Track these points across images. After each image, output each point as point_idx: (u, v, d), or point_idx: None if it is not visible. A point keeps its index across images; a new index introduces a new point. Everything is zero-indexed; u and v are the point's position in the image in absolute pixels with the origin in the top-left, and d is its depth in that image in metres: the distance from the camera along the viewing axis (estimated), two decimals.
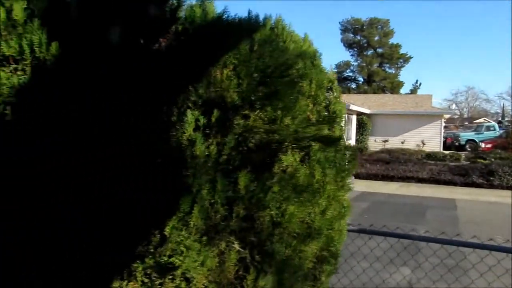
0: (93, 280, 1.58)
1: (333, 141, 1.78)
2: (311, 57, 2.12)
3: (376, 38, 46.37)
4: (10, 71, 1.67)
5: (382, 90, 44.86)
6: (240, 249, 1.68)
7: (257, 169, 1.70)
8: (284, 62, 1.59)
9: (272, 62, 1.59)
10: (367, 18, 46.29)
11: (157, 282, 1.57)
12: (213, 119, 1.66)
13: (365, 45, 46.84)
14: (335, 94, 2.43)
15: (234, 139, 1.68)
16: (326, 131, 1.81)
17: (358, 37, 47.38)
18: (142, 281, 1.58)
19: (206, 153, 1.67)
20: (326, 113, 2.20)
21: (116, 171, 1.61)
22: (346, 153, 2.15)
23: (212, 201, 1.60)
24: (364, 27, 46.39)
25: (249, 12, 2.04)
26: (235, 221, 1.65)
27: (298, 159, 1.86)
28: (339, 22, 48.34)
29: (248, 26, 1.89)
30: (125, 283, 1.59)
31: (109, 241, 1.57)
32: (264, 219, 1.72)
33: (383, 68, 47.14)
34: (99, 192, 1.60)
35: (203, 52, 1.74)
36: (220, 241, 1.65)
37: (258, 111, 1.78)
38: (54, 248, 1.52)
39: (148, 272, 1.59)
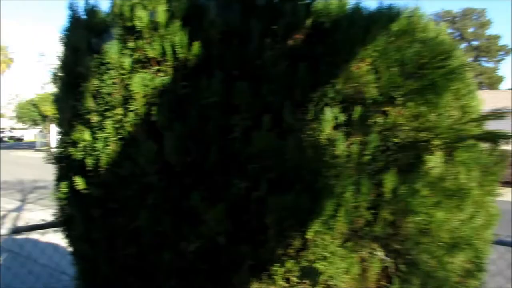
0: (233, 280, 1.57)
1: (505, 138, 1.56)
2: (451, 47, 1.90)
3: (471, 29, 42.48)
4: (153, 73, 1.73)
5: (478, 86, 40.93)
6: (384, 257, 1.54)
7: (403, 170, 1.55)
8: (442, 51, 1.42)
9: (427, 52, 1.43)
10: (460, 9, 42.66)
11: None
12: (355, 116, 1.55)
13: (458, 38, 43.17)
14: (470, 87, 2.16)
15: (377, 137, 1.55)
16: (490, 128, 1.60)
17: (450, 30, 43.86)
18: (281, 286, 1.53)
19: (346, 153, 1.56)
20: (467, 109, 1.96)
21: (257, 168, 1.58)
22: (493, 153, 1.89)
23: (356, 204, 1.48)
24: (457, 18, 42.78)
25: (381, 3, 1.89)
26: (380, 227, 1.52)
27: (443, 159, 1.67)
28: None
29: (385, 17, 1.74)
30: (264, 285, 1.55)
31: (250, 242, 1.54)
32: (410, 225, 1.57)
33: (479, 62, 43.04)
34: (237, 190, 1.58)
35: (340, 45, 1.64)
36: (362, 248, 1.54)
37: (400, 107, 1.63)
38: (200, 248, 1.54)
39: (287, 276, 1.54)
